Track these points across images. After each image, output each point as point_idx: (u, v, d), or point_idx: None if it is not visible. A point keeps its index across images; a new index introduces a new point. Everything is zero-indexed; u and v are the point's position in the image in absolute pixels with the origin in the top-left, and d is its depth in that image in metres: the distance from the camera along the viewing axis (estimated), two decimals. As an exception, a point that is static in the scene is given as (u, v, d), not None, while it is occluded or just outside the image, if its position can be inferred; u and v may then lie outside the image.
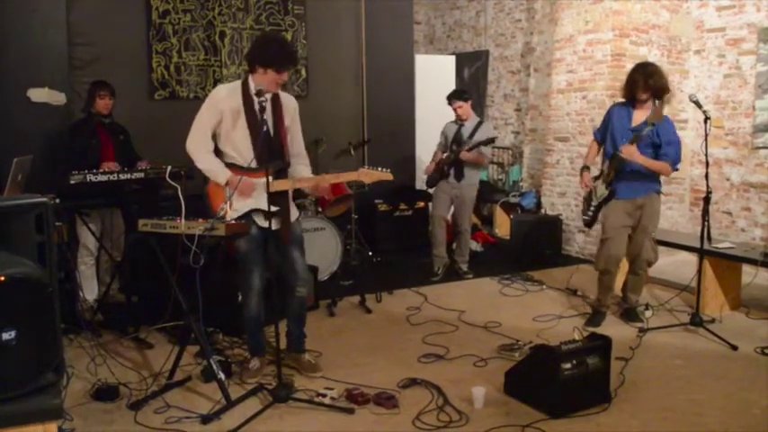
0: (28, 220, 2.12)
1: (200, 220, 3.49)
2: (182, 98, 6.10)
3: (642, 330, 4.49)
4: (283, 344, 3.73)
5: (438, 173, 5.96)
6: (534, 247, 6.66)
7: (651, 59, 6.25)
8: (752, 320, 4.79)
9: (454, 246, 6.21)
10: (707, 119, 4.31)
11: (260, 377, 3.70)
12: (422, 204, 7.15)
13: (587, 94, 6.80)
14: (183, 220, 3.44)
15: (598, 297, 4.76)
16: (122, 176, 4.25)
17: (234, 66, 6.32)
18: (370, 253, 6.18)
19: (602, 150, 4.69)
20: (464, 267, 6.09)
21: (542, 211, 7.29)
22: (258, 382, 3.62)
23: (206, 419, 3.21)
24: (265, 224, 3.47)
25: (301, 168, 3.77)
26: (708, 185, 4.40)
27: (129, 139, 5.07)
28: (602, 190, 4.56)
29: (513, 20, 8.99)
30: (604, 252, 4.59)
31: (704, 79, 6.77)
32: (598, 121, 6.49)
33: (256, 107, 3.35)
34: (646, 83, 4.30)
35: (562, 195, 7.14)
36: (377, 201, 6.95)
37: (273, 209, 3.38)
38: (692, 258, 5.29)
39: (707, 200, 4.41)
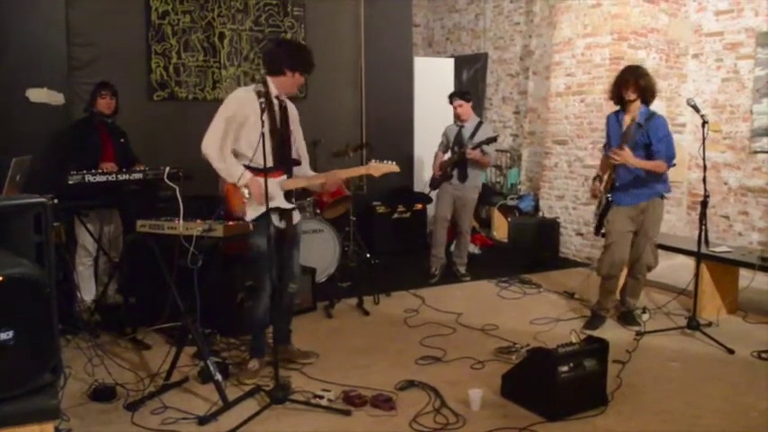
0: (26, 220, 2.11)
1: (198, 221, 3.50)
2: (180, 99, 6.10)
3: (639, 333, 4.49)
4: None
5: (441, 176, 5.98)
6: (532, 250, 6.67)
7: (649, 63, 6.30)
8: (749, 324, 4.79)
9: (453, 247, 6.22)
10: (705, 123, 4.32)
11: (258, 378, 3.70)
12: (420, 207, 7.15)
13: (586, 98, 6.81)
14: (181, 220, 3.44)
15: (599, 301, 4.76)
16: (120, 177, 4.26)
17: (233, 67, 6.32)
18: (368, 255, 6.18)
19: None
20: (462, 270, 6.10)
21: (540, 214, 7.30)
22: (255, 383, 3.62)
23: (203, 421, 3.21)
24: (280, 224, 3.61)
25: (306, 170, 3.88)
26: (705, 189, 4.41)
27: (128, 143, 5.10)
28: (603, 198, 4.58)
29: (511, 23, 9.01)
30: (609, 257, 4.59)
31: (702, 83, 6.78)
32: (597, 124, 6.54)
33: (276, 108, 3.57)
34: (636, 82, 4.31)
35: (560, 198, 7.15)
36: (375, 203, 6.96)
37: (290, 206, 3.58)
38: (690, 262, 5.30)
39: (704, 204, 4.42)
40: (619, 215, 4.52)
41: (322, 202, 5.74)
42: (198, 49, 6.16)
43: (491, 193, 8.30)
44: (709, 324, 4.65)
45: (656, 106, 4.69)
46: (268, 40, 6.36)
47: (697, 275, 4.73)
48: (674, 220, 6.94)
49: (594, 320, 4.71)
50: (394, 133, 7.21)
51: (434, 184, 6.11)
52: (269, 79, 3.64)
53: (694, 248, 4.60)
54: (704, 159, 4.42)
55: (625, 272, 4.82)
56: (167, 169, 3.99)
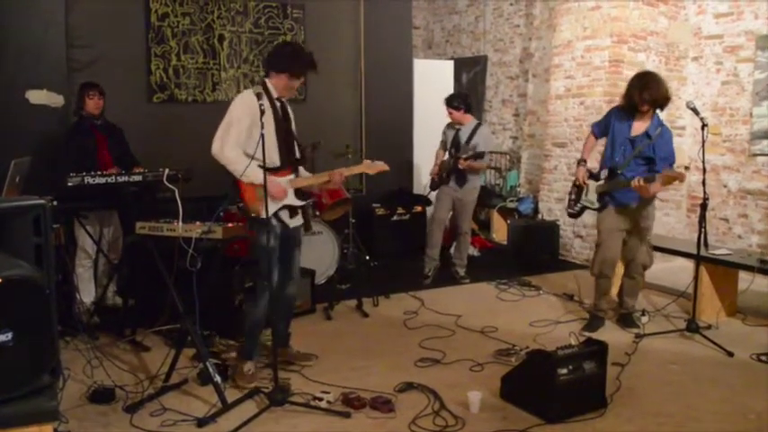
0: (26, 221, 2.11)
1: (198, 222, 3.50)
2: (180, 101, 6.10)
3: (638, 336, 4.50)
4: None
5: (439, 179, 5.98)
6: (531, 253, 6.67)
7: (649, 66, 6.28)
8: (748, 327, 4.80)
9: (452, 249, 6.21)
10: (704, 126, 4.33)
11: (256, 382, 3.68)
12: (419, 209, 7.15)
13: (585, 100, 6.82)
14: (180, 222, 3.44)
15: (594, 302, 4.76)
16: (120, 179, 4.25)
17: (233, 69, 6.32)
18: (368, 257, 6.18)
19: (597, 147, 4.69)
20: (461, 272, 6.09)
21: (539, 216, 7.31)
22: (256, 386, 3.61)
23: (202, 422, 3.20)
24: (291, 222, 3.67)
25: (302, 170, 3.89)
26: (705, 192, 4.42)
27: (123, 138, 5.08)
28: (592, 196, 4.57)
29: (511, 25, 9.02)
30: (599, 256, 4.60)
31: (702, 86, 6.79)
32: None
33: (278, 110, 3.65)
34: (641, 96, 4.29)
35: (559, 201, 7.15)
36: (374, 205, 6.95)
37: (300, 203, 3.68)
38: (689, 265, 5.29)
39: (704, 206, 4.43)
40: (610, 214, 4.52)
41: (321, 204, 5.73)
42: (197, 51, 6.16)
43: (490, 195, 8.30)
44: (709, 327, 4.65)
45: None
46: (267, 42, 6.37)
47: (696, 278, 4.73)
48: (674, 223, 6.94)
49: (593, 322, 4.71)
50: (393, 135, 7.21)
51: (434, 185, 6.12)
52: (267, 81, 3.68)
53: (694, 251, 4.61)
54: (704, 162, 4.42)
55: (621, 273, 4.83)
56: (166, 171, 3.99)
